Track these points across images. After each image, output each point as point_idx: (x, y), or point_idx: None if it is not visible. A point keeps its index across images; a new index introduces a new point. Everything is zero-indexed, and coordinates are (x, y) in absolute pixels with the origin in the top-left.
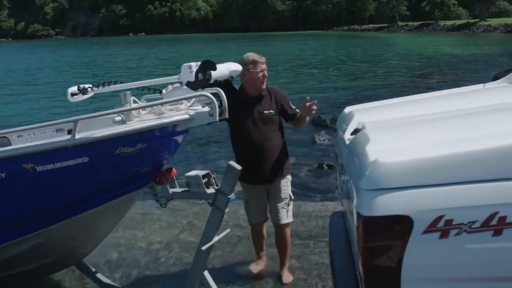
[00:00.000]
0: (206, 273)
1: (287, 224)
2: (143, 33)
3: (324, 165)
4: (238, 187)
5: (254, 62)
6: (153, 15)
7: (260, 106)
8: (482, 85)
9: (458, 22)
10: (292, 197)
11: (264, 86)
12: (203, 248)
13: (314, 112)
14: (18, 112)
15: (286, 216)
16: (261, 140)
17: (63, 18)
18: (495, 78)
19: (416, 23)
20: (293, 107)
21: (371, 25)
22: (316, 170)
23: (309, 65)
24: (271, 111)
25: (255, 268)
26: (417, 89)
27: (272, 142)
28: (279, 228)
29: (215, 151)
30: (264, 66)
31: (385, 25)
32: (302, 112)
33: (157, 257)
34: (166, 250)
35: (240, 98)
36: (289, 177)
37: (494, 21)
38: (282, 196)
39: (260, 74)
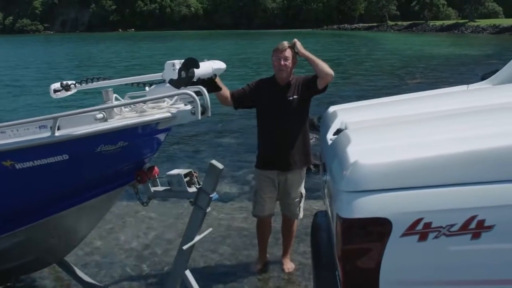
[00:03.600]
0: (187, 272)
1: (297, 219)
2: (133, 29)
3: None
4: (221, 187)
5: (275, 50)
6: (143, 11)
7: (285, 94)
8: (466, 86)
9: (447, 22)
10: (304, 194)
11: (284, 74)
12: (185, 247)
13: (295, 44)
14: (3, 108)
15: (299, 211)
16: (281, 126)
17: (52, 13)
18: (483, 78)
19: (405, 23)
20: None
21: (361, 24)
22: None
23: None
24: (294, 96)
25: (255, 267)
26: (403, 89)
27: (292, 131)
28: (288, 221)
29: (198, 149)
30: (282, 55)
31: (375, 24)
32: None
33: (139, 255)
34: (148, 249)
35: (270, 86)
36: (304, 172)
37: (483, 22)
38: (294, 193)
39: (276, 62)
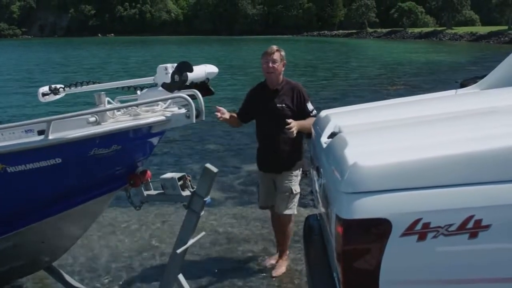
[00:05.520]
0: (180, 276)
1: (286, 215)
2: (112, 34)
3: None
4: (214, 192)
5: (264, 54)
6: (123, 17)
7: (276, 99)
8: (454, 91)
9: (425, 29)
10: (295, 192)
11: (272, 76)
12: (178, 251)
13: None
14: None
15: (285, 208)
16: (271, 131)
17: (30, 17)
18: (462, 85)
19: (384, 30)
20: (310, 108)
21: (340, 31)
22: None
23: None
24: (283, 105)
25: (267, 261)
26: (384, 95)
27: (281, 135)
28: (279, 217)
29: (182, 155)
30: (271, 57)
31: (355, 31)
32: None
33: (130, 260)
34: (138, 253)
35: (261, 91)
36: (295, 172)
37: (460, 29)
38: (283, 188)
39: (265, 65)
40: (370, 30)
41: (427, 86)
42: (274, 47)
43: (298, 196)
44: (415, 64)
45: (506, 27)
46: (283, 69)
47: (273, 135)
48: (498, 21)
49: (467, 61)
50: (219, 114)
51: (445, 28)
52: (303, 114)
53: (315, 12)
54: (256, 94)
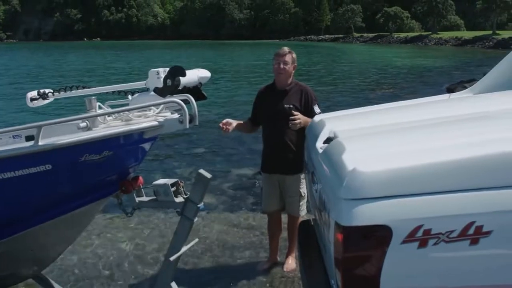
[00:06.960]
0: (173, 284)
1: (299, 217)
2: (98, 39)
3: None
4: (207, 198)
5: (276, 54)
6: (109, 21)
7: (284, 100)
8: (447, 95)
9: (411, 34)
10: (303, 194)
11: (282, 77)
12: (171, 258)
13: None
14: None
15: (298, 210)
16: (276, 131)
17: (14, 21)
18: (448, 89)
19: (371, 35)
20: (317, 111)
21: (327, 36)
22: None
23: (266, 74)
24: (291, 105)
25: (262, 265)
26: (371, 100)
27: (287, 136)
28: (290, 218)
29: (172, 160)
30: (282, 59)
31: (341, 35)
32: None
33: (120, 268)
34: (129, 261)
35: (269, 92)
36: (302, 175)
37: (446, 34)
38: (292, 192)
39: (276, 66)
40: (356, 34)
41: (413, 90)
42: (286, 49)
43: (306, 198)
44: (401, 68)
45: (490, 32)
46: (293, 71)
47: (280, 135)
48: (483, 26)
49: (452, 66)
50: (224, 127)
51: (430, 33)
52: (310, 115)
53: (302, 17)
54: (264, 95)
